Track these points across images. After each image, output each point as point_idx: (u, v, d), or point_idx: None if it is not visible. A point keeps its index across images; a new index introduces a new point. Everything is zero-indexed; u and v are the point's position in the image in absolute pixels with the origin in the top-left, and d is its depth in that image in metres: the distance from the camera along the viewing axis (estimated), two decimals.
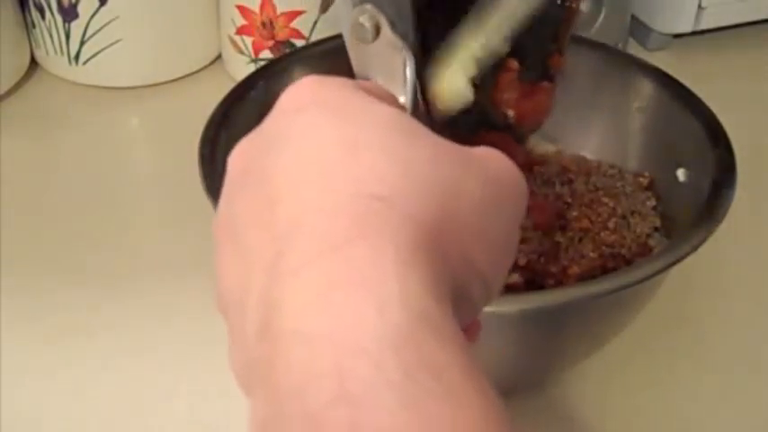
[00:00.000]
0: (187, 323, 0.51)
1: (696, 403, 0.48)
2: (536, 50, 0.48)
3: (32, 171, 0.63)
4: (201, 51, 0.73)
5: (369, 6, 0.35)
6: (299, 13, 0.66)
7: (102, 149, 0.65)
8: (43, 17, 0.69)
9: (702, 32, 0.75)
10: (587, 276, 0.44)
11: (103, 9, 0.67)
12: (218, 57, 0.73)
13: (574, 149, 0.54)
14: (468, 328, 0.27)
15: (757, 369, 0.50)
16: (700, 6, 0.73)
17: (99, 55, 0.69)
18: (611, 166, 0.51)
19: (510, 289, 0.44)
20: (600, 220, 0.47)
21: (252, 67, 0.67)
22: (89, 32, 0.68)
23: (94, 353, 0.50)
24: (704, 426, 0.47)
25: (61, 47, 0.69)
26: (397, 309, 0.19)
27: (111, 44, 0.68)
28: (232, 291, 0.24)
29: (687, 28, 0.74)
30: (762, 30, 0.78)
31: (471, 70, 0.43)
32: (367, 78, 0.37)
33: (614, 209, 0.48)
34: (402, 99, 0.34)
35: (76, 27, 0.68)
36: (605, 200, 0.48)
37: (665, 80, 0.50)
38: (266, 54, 0.68)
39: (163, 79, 0.71)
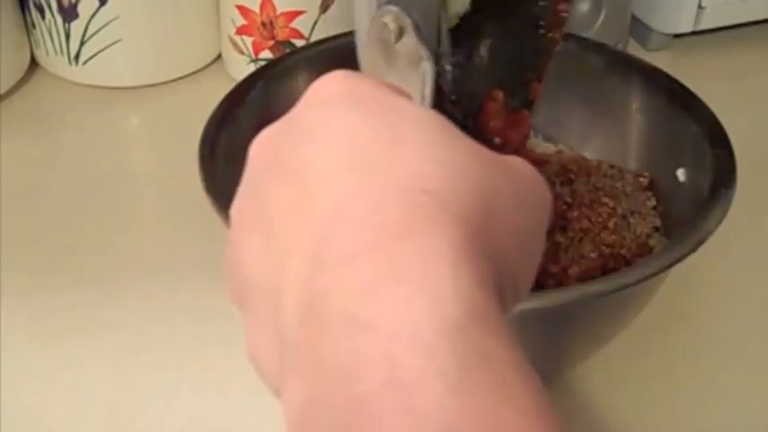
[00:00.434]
0: (187, 323, 0.51)
1: (696, 403, 0.48)
2: (518, 79, 0.48)
3: (32, 171, 0.63)
4: (201, 51, 0.73)
5: (395, 8, 0.34)
6: (299, 13, 0.66)
7: (102, 149, 0.65)
8: (43, 17, 0.69)
9: (702, 32, 0.75)
10: (587, 276, 0.44)
11: (103, 9, 0.67)
12: (218, 57, 0.73)
13: (574, 149, 0.54)
14: None
15: (757, 369, 0.50)
16: (700, 6, 0.73)
17: (99, 55, 0.69)
18: (611, 166, 0.51)
19: None
20: (600, 220, 0.47)
21: (252, 67, 0.67)
22: (89, 32, 0.68)
23: (94, 353, 0.50)
24: (704, 425, 0.47)
25: (61, 47, 0.69)
26: (451, 302, 0.19)
27: (111, 44, 0.68)
28: (262, 277, 0.24)
29: (687, 28, 0.74)
30: (762, 30, 0.78)
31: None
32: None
33: (614, 209, 0.48)
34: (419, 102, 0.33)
35: (76, 27, 0.68)
36: (605, 200, 0.48)
37: (665, 80, 0.50)
38: (266, 54, 0.68)
39: (163, 79, 0.71)
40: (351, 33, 0.40)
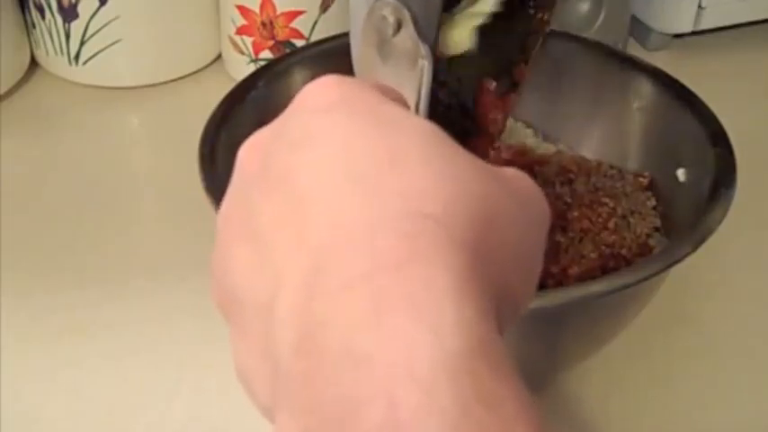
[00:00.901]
0: (187, 323, 0.51)
1: (696, 403, 0.48)
2: (503, 60, 0.48)
3: (32, 171, 0.63)
4: (201, 51, 0.73)
5: (393, 0, 0.33)
6: (299, 13, 0.66)
7: (102, 149, 0.65)
8: (43, 17, 0.69)
9: (702, 32, 0.75)
10: (587, 276, 0.44)
11: (103, 9, 0.67)
12: (218, 57, 0.73)
13: (574, 149, 0.54)
14: None
15: (757, 369, 0.50)
16: (700, 6, 0.73)
17: (99, 55, 0.69)
18: (611, 167, 0.51)
19: None
20: (600, 220, 0.47)
21: (252, 67, 0.67)
22: (89, 32, 0.68)
23: (94, 353, 0.50)
24: (704, 426, 0.47)
25: (61, 47, 0.69)
26: (453, 336, 0.19)
27: (111, 44, 0.68)
28: (251, 292, 0.23)
29: (687, 28, 0.74)
30: (762, 30, 0.78)
31: (476, 21, 0.42)
32: (372, 78, 0.35)
33: (614, 209, 0.48)
34: (410, 104, 0.32)
35: (76, 27, 0.68)
36: (605, 200, 0.48)
37: (665, 80, 0.50)
38: (266, 54, 0.68)
39: (163, 79, 0.71)
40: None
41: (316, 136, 0.23)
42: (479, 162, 0.23)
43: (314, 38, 0.67)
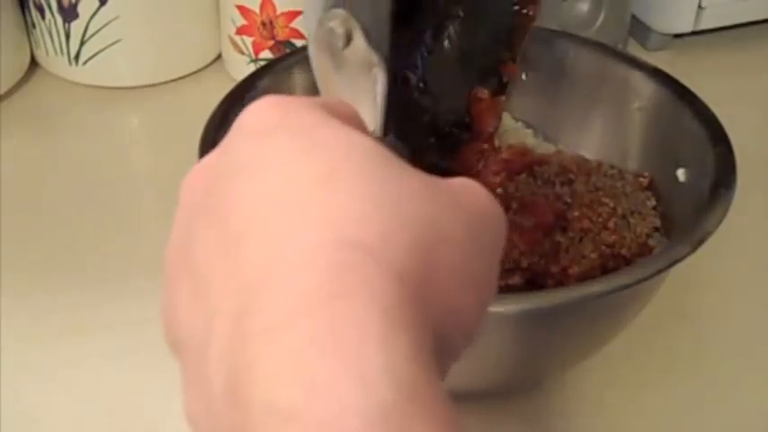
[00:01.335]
0: None
1: (696, 403, 0.48)
2: (488, 58, 0.48)
3: (32, 171, 0.63)
4: (201, 51, 0.73)
5: (341, 11, 0.32)
6: (299, 13, 0.66)
7: (102, 149, 0.65)
8: (43, 17, 0.69)
9: (702, 32, 0.75)
10: (587, 276, 0.44)
11: (103, 9, 0.67)
12: (218, 57, 0.73)
13: (574, 149, 0.54)
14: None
15: (757, 369, 0.50)
16: (700, 6, 0.73)
17: (99, 55, 0.69)
18: (611, 167, 0.51)
19: (510, 289, 0.44)
20: (600, 220, 0.47)
21: (252, 67, 0.67)
22: (89, 32, 0.68)
23: (94, 353, 0.50)
24: (704, 426, 0.47)
25: (61, 47, 0.69)
26: (382, 382, 0.18)
27: (111, 44, 0.68)
28: (189, 332, 0.22)
29: (687, 28, 0.74)
30: (762, 30, 0.78)
31: None
32: (330, 93, 0.33)
33: (614, 209, 0.48)
34: (367, 118, 0.31)
35: (76, 27, 0.68)
36: (605, 200, 0.48)
37: (665, 80, 0.50)
38: (266, 54, 0.68)
39: (163, 79, 0.71)
40: None
41: (251, 164, 0.22)
42: (424, 180, 0.22)
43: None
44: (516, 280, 0.44)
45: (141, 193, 0.63)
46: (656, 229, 0.48)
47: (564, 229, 0.47)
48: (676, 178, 0.48)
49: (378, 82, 0.32)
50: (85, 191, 0.61)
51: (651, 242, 0.47)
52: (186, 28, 0.71)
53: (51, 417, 0.47)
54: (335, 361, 0.18)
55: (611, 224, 0.47)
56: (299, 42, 0.67)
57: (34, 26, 0.70)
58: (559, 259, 0.45)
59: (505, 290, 0.43)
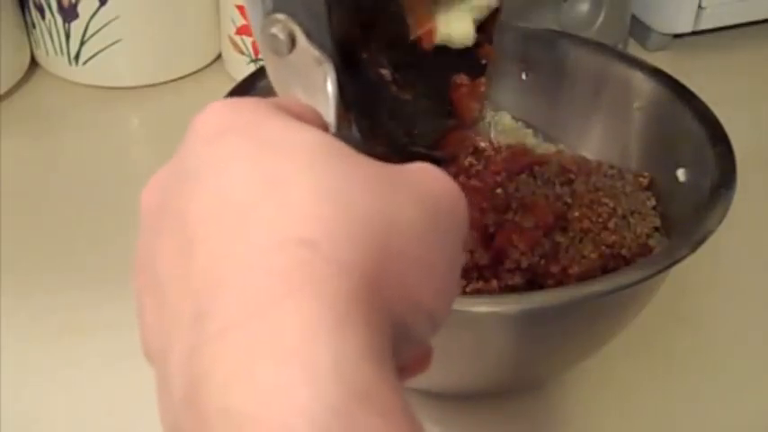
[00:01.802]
0: None
1: (696, 403, 0.48)
2: (463, 48, 0.47)
3: (32, 171, 0.63)
4: (201, 51, 0.73)
5: (281, 16, 0.32)
6: None
7: (102, 149, 0.65)
8: (43, 17, 0.69)
9: (702, 32, 0.75)
10: (587, 276, 0.44)
11: (103, 9, 0.67)
12: (218, 57, 0.73)
13: (574, 149, 0.54)
14: (419, 357, 0.25)
15: (757, 369, 0.50)
16: (700, 6, 0.73)
17: (99, 55, 0.69)
18: (611, 167, 0.51)
19: (510, 289, 0.44)
20: (600, 220, 0.47)
21: (252, 67, 0.67)
22: (89, 32, 0.68)
23: (94, 353, 0.50)
24: (704, 426, 0.47)
25: (61, 47, 0.69)
26: (330, 383, 0.18)
27: (111, 44, 0.68)
28: (155, 343, 0.22)
29: (687, 28, 0.74)
30: (762, 30, 0.78)
31: (476, 13, 0.42)
32: (287, 93, 0.33)
33: (614, 209, 0.48)
34: (325, 114, 0.31)
35: (76, 27, 0.68)
36: (605, 200, 0.48)
37: (665, 80, 0.50)
38: None
39: (163, 79, 0.71)
40: None
41: (201, 169, 0.22)
42: (376, 170, 0.22)
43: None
44: (516, 280, 0.44)
45: (141, 193, 0.63)
46: (656, 229, 0.48)
47: (564, 230, 0.46)
48: (676, 178, 0.48)
49: (327, 79, 0.32)
50: (85, 191, 0.61)
51: (651, 242, 0.47)
52: (186, 28, 0.71)
53: (51, 417, 0.47)
54: (284, 364, 0.18)
55: (611, 224, 0.47)
56: None
57: (34, 26, 0.70)
58: (559, 259, 0.45)
59: (505, 290, 0.43)
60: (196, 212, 0.21)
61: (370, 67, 0.40)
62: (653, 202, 0.49)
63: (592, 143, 0.54)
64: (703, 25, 0.74)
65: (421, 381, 0.27)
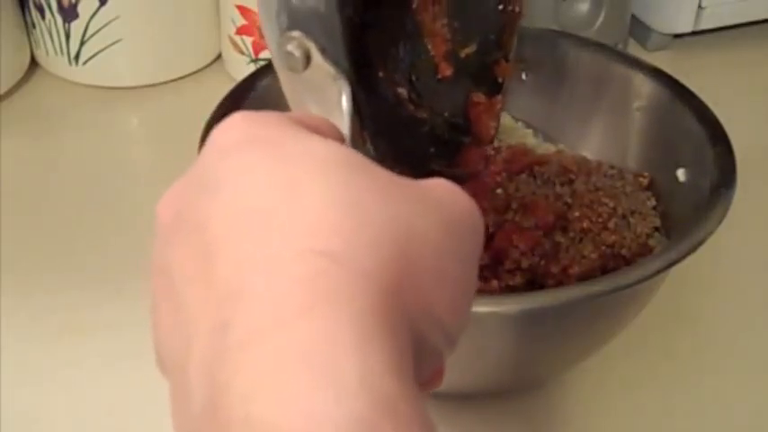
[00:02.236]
0: None
1: (696, 403, 0.48)
2: (479, 60, 0.48)
3: (32, 171, 0.63)
4: (201, 51, 0.73)
5: (296, 33, 0.32)
6: None
7: (102, 149, 0.65)
8: (43, 17, 0.69)
9: (702, 32, 0.75)
10: (587, 276, 0.44)
11: (103, 9, 0.67)
12: (218, 57, 0.73)
13: (574, 149, 0.54)
14: (431, 374, 0.25)
15: (757, 369, 0.50)
16: (700, 6, 0.73)
17: (99, 55, 0.69)
18: (611, 167, 0.51)
19: (510, 289, 0.44)
20: (600, 220, 0.47)
21: (252, 67, 0.67)
22: (89, 32, 0.68)
23: (94, 353, 0.50)
24: (704, 426, 0.47)
25: (61, 47, 0.69)
26: (356, 396, 0.18)
27: (111, 44, 0.68)
28: (172, 352, 0.22)
29: (687, 28, 0.74)
30: (762, 30, 0.78)
31: None
32: (302, 109, 0.34)
33: (614, 209, 0.48)
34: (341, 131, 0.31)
35: (76, 27, 0.68)
36: (605, 200, 0.48)
37: (665, 80, 0.50)
38: (266, 54, 0.68)
39: (163, 79, 0.71)
40: None
41: (220, 180, 0.22)
42: (393, 182, 0.22)
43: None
44: (517, 280, 0.44)
45: (141, 193, 0.63)
46: (656, 229, 0.48)
47: (564, 230, 0.47)
48: (676, 178, 0.48)
49: (342, 94, 0.32)
50: (85, 191, 0.61)
51: (651, 242, 0.47)
52: (186, 28, 0.71)
53: (51, 417, 0.47)
54: (310, 375, 0.18)
55: (611, 224, 0.47)
56: None
57: (34, 26, 0.70)
58: (560, 259, 0.45)
59: (505, 290, 0.43)
60: (215, 221, 0.21)
61: (387, 85, 0.40)
62: (653, 202, 0.49)
63: (592, 143, 0.54)
64: (703, 25, 0.74)
65: None
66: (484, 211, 0.46)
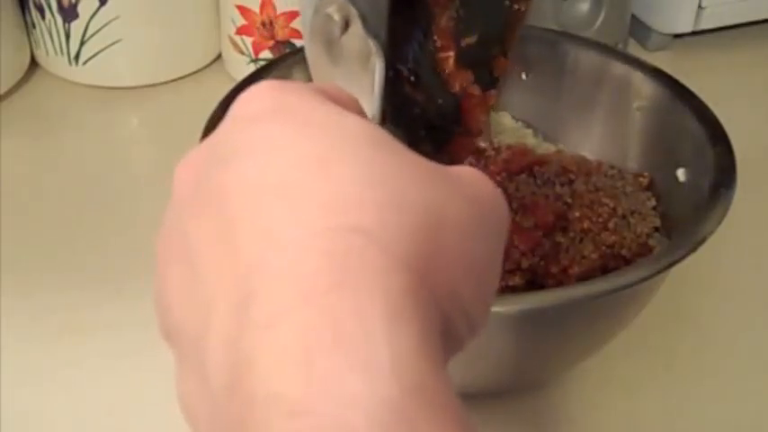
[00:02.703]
0: None
1: (696, 403, 0.48)
2: (482, 56, 0.48)
3: (32, 171, 0.63)
4: (201, 51, 0.73)
5: None
6: (300, 13, 0.66)
7: (102, 149, 0.65)
8: (43, 17, 0.69)
9: (702, 32, 0.75)
10: (587, 276, 0.44)
11: (103, 9, 0.67)
12: (218, 57, 0.73)
13: (574, 149, 0.54)
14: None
15: (757, 369, 0.50)
16: (700, 6, 0.73)
17: (99, 55, 0.69)
18: (611, 167, 0.51)
19: (510, 289, 0.44)
20: (600, 220, 0.47)
21: (252, 67, 0.67)
22: (89, 32, 0.68)
23: (94, 353, 0.50)
24: (704, 425, 0.47)
25: (61, 47, 0.69)
26: (387, 378, 0.17)
27: (111, 44, 0.68)
28: (183, 321, 0.22)
29: (687, 28, 0.74)
30: (762, 30, 0.78)
31: None
32: (325, 80, 0.32)
33: (614, 209, 0.48)
34: (365, 105, 0.30)
35: (76, 27, 0.68)
36: (605, 200, 0.48)
37: (665, 80, 0.50)
38: (266, 54, 0.68)
39: (163, 79, 0.71)
40: None
41: (245, 150, 0.21)
42: (423, 164, 0.22)
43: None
44: (517, 281, 0.44)
45: (141, 193, 0.63)
46: (656, 229, 0.48)
47: (564, 230, 0.46)
48: (676, 178, 0.48)
49: (376, 71, 0.31)
50: (85, 191, 0.61)
51: (651, 242, 0.47)
52: (186, 28, 0.71)
53: (51, 417, 0.47)
54: (340, 354, 0.17)
55: (611, 224, 0.47)
56: (299, 42, 0.67)
57: (34, 26, 0.70)
58: (560, 260, 0.45)
59: (506, 290, 0.43)
60: (237, 192, 0.20)
61: (389, 59, 0.40)
62: (653, 202, 0.49)
63: (592, 143, 0.54)
64: (703, 25, 0.74)
65: None
66: None
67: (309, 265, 0.19)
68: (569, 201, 0.48)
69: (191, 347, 0.21)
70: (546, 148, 0.54)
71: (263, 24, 0.66)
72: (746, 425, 0.47)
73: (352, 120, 0.22)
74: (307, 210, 0.19)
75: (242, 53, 0.69)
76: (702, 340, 0.51)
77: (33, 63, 0.72)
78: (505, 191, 0.48)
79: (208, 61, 0.73)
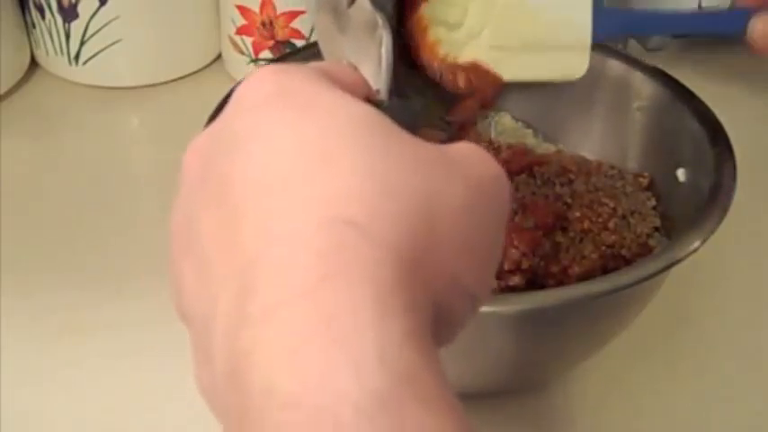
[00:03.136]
0: None
1: (696, 403, 0.48)
2: None
3: (32, 171, 0.63)
4: (201, 51, 0.73)
5: None
6: (299, 13, 0.66)
7: (102, 149, 0.65)
8: (43, 17, 0.69)
9: None
10: (587, 276, 0.44)
11: (103, 9, 0.67)
12: (218, 57, 0.73)
13: (574, 149, 0.54)
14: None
15: (757, 369, 0.50)
16: (699, 6, 0.73)
17: (99, 55, 0.69)
18: (612, 167, 0.51)
19: (510, 289, 0.44)
20: (600, 220, 0.47)
21: (252, 68, 0.67)
22: (89, 32, 0.68)
23: (94, 353, 0.50)
24: (705, 425, 0.47)
25: (61, 47, 0.69)
26: (375, 370, 0.18)
27: (111, 44, 0.68)
28: (194, 306, 0.22)
29: None
30: None
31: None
32: (334, 56, 0.33)
33: (614, 209, 0.48)
34: (372, 80, 0.30)
35: (76, 27, 0.68)
36: (605, 200, 0.48)
37: (665, 80, 0.50)
38: (266, 54, 0.68)
39: (163, 79, 0.71)
40: None
41: (249, 137, 0.22)
42: (419, 148, 0.22)
43: (314, 38, 0.67)
44: (517, 281, 0.44)
45: (141, 193, 0.63)
46: (656, 229, 0.48)
47: (564, 230, 0.47)
48: (676, 178, 0.48)
49: (382, 44, 0.31)
50: (85, 191, 0.61)
51: (651, 242, 0.47)
52: (186, 28, 0.71)
53: (51, 417, 0.47)
54: (329, 348, 0.18)
55: (611, 224, 0.47)
56: (299, 42, 0.67)
57: (34, 26, 0.70)
58: (560, 259, 0.45)
59: (506, 290, 0.43)
60: (240, 183, 0.21)
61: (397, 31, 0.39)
62: (653, 202, 0.49)
63: (592, 143, 0.54)
64: None
65: None
66: None
67: (303, 258, 0.19)
68: (569, 201, 0.48)
69: (201, 332, 0.22)
70: (546, 148, 0.54)
71: (263, 24, 0.66)
72: (746, 425, 0.47)
73: (351, 107, 0.22)
74: (305, 202, 0.20)
75: (242, 53, 0.69)
76: (703, 340, 0.51)
77: (33, 63, 0.72)
78: None
79: (208, 61, 0.73)
